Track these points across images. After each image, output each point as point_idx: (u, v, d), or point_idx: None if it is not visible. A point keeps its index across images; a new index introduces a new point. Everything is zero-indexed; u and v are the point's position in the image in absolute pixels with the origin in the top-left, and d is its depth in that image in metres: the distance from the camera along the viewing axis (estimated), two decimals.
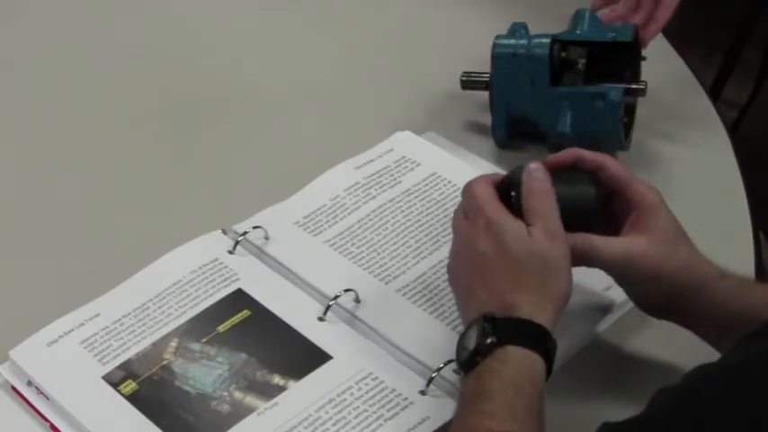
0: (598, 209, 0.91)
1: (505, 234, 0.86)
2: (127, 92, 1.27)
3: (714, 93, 2.05)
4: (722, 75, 2.31)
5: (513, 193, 0.89)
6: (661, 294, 0.90)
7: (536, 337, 0.82)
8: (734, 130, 1.37)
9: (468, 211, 0.90)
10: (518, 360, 0.81)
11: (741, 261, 1.06)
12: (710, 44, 2.39)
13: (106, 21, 1.39)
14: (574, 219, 0.88)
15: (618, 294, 0.96)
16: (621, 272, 0.90)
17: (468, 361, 0.82)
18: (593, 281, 0.97)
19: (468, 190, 0.91)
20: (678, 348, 0.94)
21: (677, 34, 1.35)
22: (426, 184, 1.11)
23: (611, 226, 0.91)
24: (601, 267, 0.90)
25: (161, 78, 1.29)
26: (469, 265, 0.88)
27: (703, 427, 0.67)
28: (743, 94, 2.12)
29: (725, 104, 1.94)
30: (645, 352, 0.98)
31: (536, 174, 0.89)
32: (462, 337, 0.84)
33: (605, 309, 0.99)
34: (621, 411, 0.73)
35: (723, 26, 2.43)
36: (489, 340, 0.81)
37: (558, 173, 0.91)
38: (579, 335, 0.97)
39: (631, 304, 0.96)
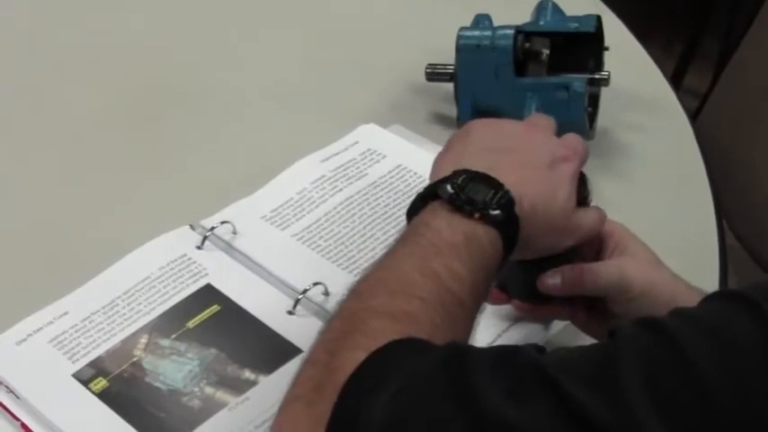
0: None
1: (570, 188, 0.85)
2: (93, 88, 1.27)
3: (675, 81, 2.06)
4: (682, 63, 2.33)
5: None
6: (657, 306, 0.86)
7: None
8: (695, 118, 1.38)
9: (568, 143, 0.89)
10: (499, 252, 0.79)
11: (705, 248, 1.07)
12: (671, 33, 2.40)
13: (71, 17, 1.38)
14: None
15: None
16: (618, 289, 0.89)
17: (459, 203, 0.79)
18: None
19: (580, 142, 0.90)
20: None
21: (638, 23, 1.37)
22: (392, 176, 1.11)
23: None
24: (596, 290, 0.90)
25: (128, 74, 1.29)
26: (535, 146, 0.87)
27: None
28: (703, 82, 2.14)
29: (686, 93, 1.95)
30: None
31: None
32: (462, 174, 0.80)
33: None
34: None
35: (683, 15, 2.45)
36: (497, 212, 0.78)
37: None
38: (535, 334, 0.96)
39: None
